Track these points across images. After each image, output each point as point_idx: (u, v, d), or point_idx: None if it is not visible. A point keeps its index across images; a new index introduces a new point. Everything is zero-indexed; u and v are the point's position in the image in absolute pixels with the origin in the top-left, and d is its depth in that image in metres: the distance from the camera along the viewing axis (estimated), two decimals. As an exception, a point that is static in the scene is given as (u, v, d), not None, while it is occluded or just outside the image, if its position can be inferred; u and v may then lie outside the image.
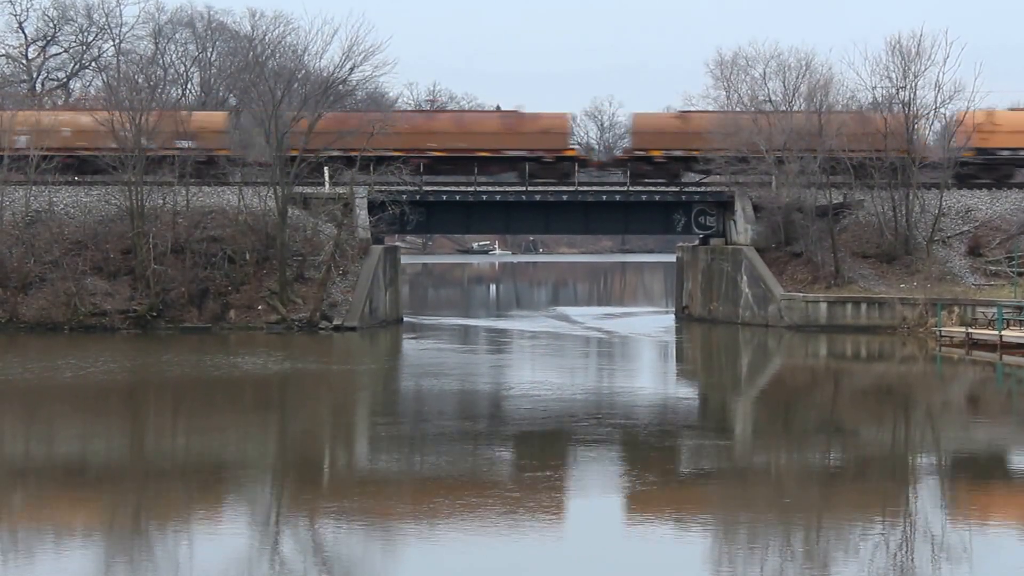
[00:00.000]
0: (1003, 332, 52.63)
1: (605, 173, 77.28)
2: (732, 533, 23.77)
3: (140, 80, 76.15)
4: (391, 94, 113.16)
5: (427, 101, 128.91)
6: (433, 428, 34.61)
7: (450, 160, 69.86)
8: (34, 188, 64.52)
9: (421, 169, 68.29)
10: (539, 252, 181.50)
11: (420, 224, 70.28)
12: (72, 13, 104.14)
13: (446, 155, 69.43)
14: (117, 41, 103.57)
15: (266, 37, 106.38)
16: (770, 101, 69.85)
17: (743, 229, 67.47)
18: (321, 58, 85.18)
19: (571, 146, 73.66)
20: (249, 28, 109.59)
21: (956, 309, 58.37)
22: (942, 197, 66.51)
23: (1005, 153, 69.96)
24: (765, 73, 70.64)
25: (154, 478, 28.49)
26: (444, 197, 69.11)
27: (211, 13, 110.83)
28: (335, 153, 64.35)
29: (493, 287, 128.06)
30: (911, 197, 66.10)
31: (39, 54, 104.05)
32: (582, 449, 31.53)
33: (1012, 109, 72.06)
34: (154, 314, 60.13)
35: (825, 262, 64.45)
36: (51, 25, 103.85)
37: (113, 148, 63.11)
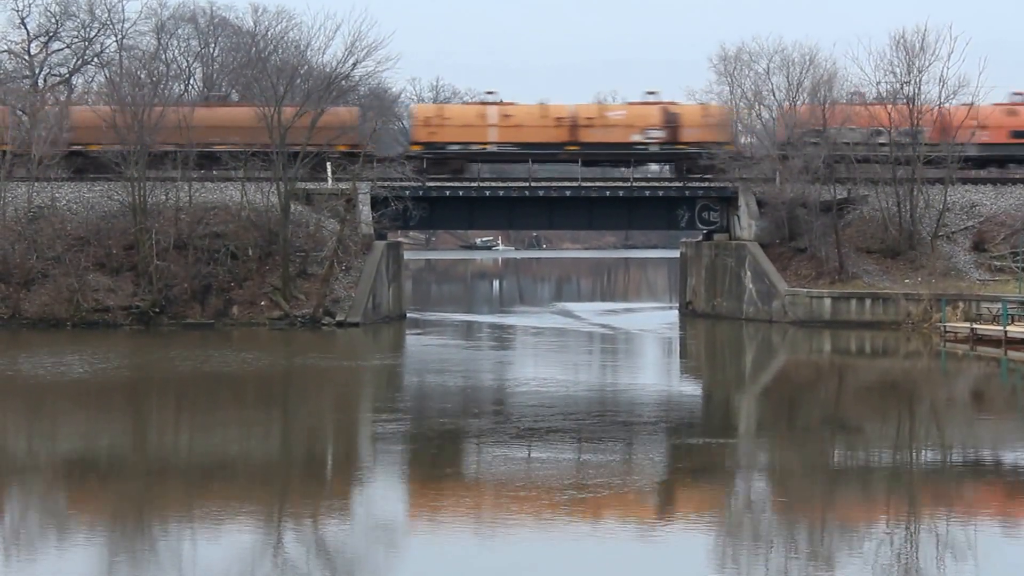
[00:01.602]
0: (1008, 327, 52.55)
1: None
2: (736, 531, 23.69)
3: (143, 76, 76.05)
4: (394, 89, 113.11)
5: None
6: (437, 425, 34.52)
7: None
8: (36, 184, 64.52)
9: (424, 165, 68.08)
10: (542, 248, 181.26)
11: (423, 220, 70.21)
12: (74, 9, 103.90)
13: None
14: (119, 37, 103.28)
15: (268, 33, 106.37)
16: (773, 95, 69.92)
17: (747, 225, 67.34)
18: (324, 53, 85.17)
19: None
20: (252, 24, 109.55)
21: (961, 305, 58.27)
22: (946, 192, 66.38)
23: (455, 147, 69.66)
24: (769, 68, 70.66)
25: (158, 474, 28.44)
26: (447, 193, 68.96)
27: (213, 9, 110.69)
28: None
29: (496, 283, 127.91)
30: (915, 192, 65.97)
31: (41, 50, 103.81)
32: (586, 447, 31.44)
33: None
34: (157, 310, 60.08)
35: (829, 258, 64.33)
36: (53, 21, 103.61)
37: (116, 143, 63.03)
